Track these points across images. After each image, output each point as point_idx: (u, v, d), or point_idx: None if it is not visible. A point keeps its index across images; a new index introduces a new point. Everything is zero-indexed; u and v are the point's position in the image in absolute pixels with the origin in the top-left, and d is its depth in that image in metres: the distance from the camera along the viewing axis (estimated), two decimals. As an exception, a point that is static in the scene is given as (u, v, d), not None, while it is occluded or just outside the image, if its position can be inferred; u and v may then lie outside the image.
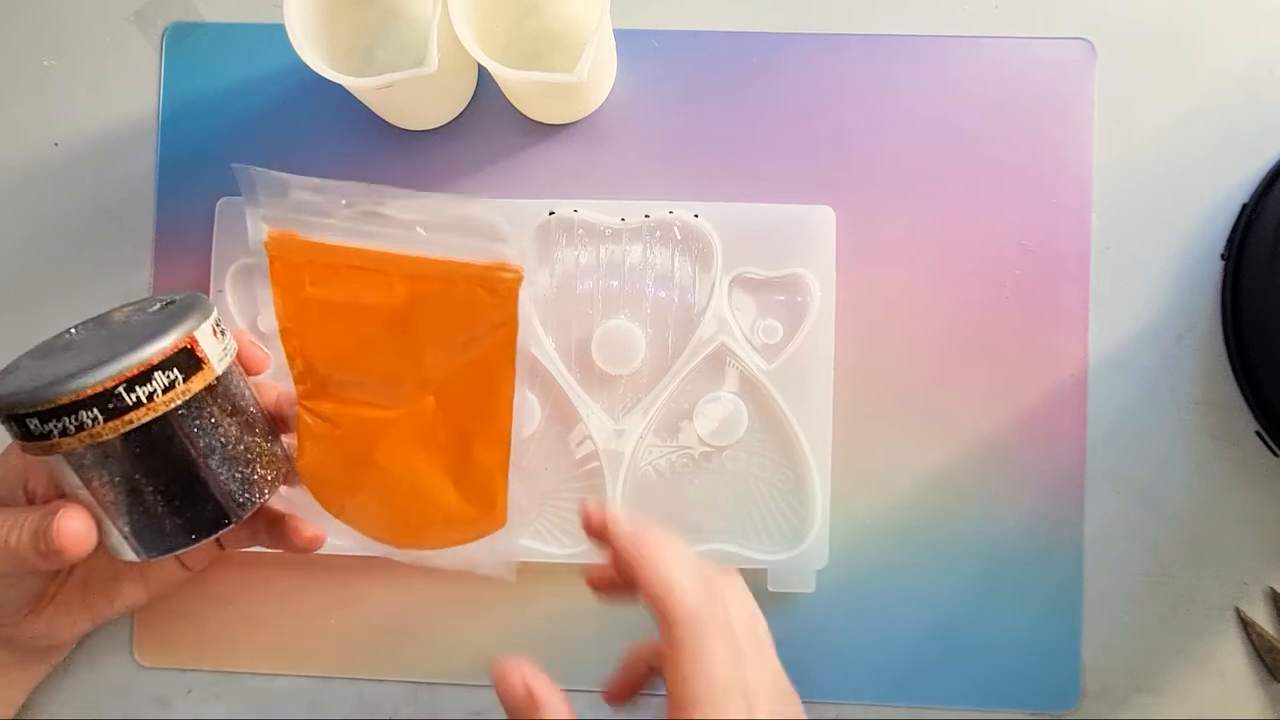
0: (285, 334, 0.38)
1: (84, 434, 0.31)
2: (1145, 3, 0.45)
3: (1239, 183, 0.44)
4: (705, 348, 0.43)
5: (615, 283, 0.44)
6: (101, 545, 0.34)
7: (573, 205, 0.44)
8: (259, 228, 0.37)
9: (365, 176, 0.45)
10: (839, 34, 0.46)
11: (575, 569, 0.44)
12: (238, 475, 0.34)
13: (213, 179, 0.46)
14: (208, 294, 0.45)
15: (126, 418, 0.31)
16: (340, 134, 0.46)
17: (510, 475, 0.40)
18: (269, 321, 0.44)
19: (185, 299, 0.35)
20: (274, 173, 0.37)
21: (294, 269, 0.37)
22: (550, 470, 0.44)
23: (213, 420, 0.34)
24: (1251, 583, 0.44)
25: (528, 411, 0.43)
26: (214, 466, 0.34)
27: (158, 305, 0.35)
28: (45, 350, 0.34)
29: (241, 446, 0.35)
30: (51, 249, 0.47)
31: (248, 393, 0.36)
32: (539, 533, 0.44)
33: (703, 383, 0.44)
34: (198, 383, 0.33)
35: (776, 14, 0.46)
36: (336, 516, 0.39)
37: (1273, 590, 0.43)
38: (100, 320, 0.36)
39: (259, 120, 0.47)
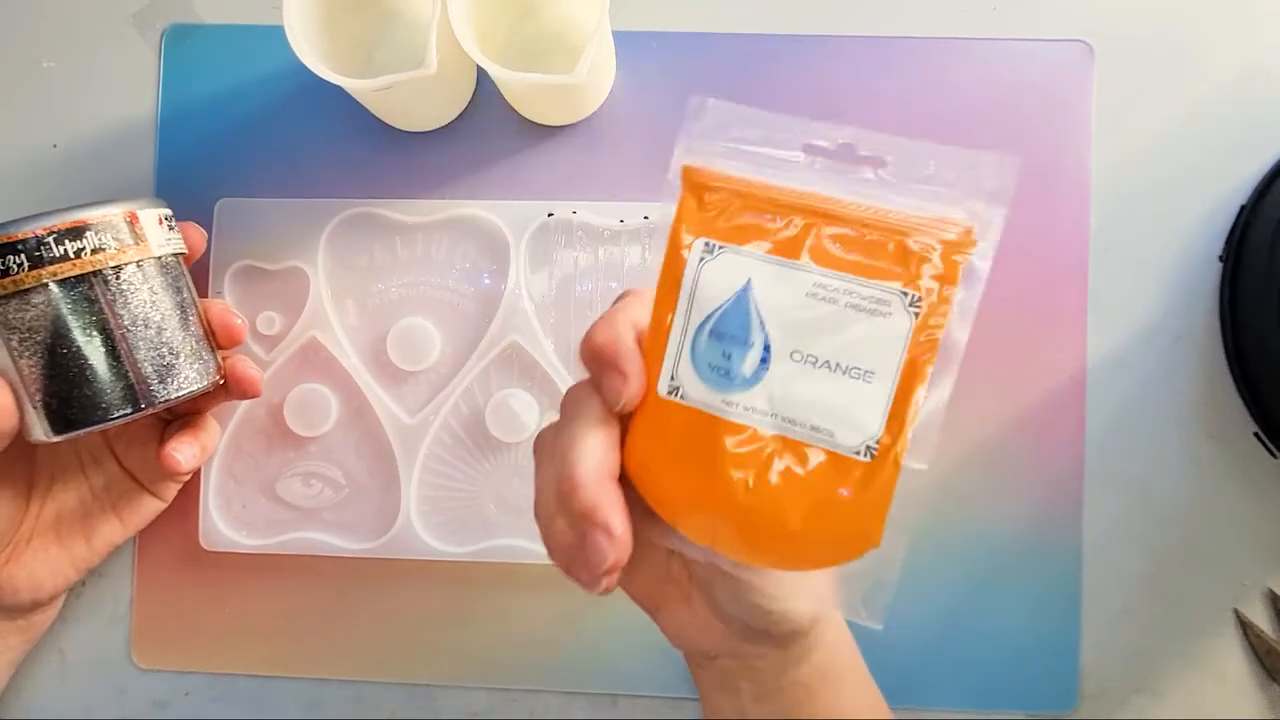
0: (663, 288, 0.29)
1: (7, 280, 0.32)
2: (1144, 5, 0.45)
3: (1237, 184, 0.44)
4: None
5: (614, 284, 0.44)
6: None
7: (571, 207, 0.44)
8: (679, 158, 0.31)
9: (364, 178, 0.46)
10: (838, 36, 0.46)
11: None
12: (157, 361, 0.35)
13: (212, 180, 0.46)
14: (206, 295, 0.45)
15: (52, 268, 0.32)
16: (339, 135, 0.46)
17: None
18: (269, 322, 0.45)
19: (150, 198, 0.37)
20: (728, 105, 0.31)
21: (703, 209, 0.29)
22: (549, 472, 0.44)
23: (140, 296, 0.34)
24: (1250, 584, 0.44)
25: (526, 414, 0.43)
26: (134, 343, 0.34)
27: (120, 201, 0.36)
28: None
29: (166, 334, 0.35)
30: (50, 250, 0.47)
31: (186, 291, 0.37)
32: (537, 535, 0.43)
33: (701, 384, 0.44)
34: (131, 254, 0.34)
35: (775, 16, 0.46)
36: (671, 522, 0.29)
37: (1271, 592, 0.43)
38: (61, 210, 0.36)
39: (258, 121, 0.47)
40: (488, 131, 0.46)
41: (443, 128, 0.46)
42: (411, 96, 0.43)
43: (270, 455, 0.45)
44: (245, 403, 0.45)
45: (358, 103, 0.45)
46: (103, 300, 0.33)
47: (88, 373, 0.34)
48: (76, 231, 0.33)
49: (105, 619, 0.46)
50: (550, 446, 0.28)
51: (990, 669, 0.43)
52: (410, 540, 0.43)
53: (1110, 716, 0.43)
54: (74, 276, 0.33)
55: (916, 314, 0.27)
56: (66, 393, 0.34)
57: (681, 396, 0.28)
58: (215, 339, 0.39)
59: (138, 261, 0.34)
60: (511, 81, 0.39)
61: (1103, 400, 0.44)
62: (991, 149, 0.27)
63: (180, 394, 0.36)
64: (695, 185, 0.30)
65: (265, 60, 0.47)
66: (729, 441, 0.27)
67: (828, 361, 0.27)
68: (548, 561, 0.43)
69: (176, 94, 0.47)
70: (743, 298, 0.28)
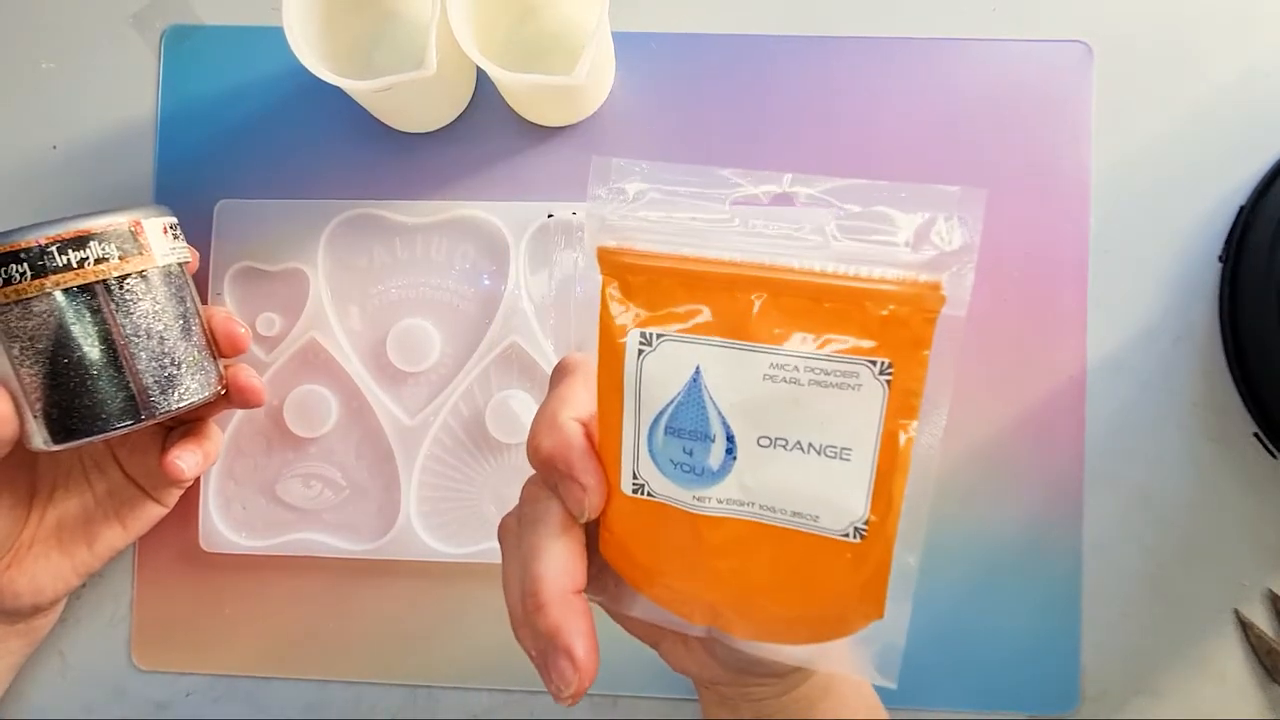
0: (604, 385, 0.26)
1: (10, 289, 0.32)
2: (1143, 6, 0.45)
3: (1236, 185, 0.44)
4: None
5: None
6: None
7: (571, 208, 0.44)
8: (592, 239, 0.26)
9: (364, 179, 0.46)
10: (837, 36, 0.46)
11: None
12: (159, 372, 0.35)
13: (211, 181, 0.46)
14: (205, 297, 0.45)
15: (55, 278, 0.32)
16: (339, 136, 0.46)
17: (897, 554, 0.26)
18: (269, 323, 0.45)
19: (154, 206, 0.36)
20: (640, 165, 0.27)
21: (631, 294, 0.26)
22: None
23: (143, 307, 0.34)
24: (1250, 584, 0.44)
25: (525, 415, 0.43)
26: (135, 354, 0.34)
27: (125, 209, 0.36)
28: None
29: (169, 344, 0.35)
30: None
31: (189, 300, 0.36)
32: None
33: (701, 385, 0.43)
34: (134, 264, 0.34)
35: (774, 17, 0.46)
36: (645, 593, 0.29)
37: (1271, 592, 0.43)
38: (66, 219, 0.36)
39: (257, 123, 0.46)
40: (487, 132, 0.46)
41: (442, 129, 0.46)
42: (411, 97, 0.43)
43: (270, 456, 0.45)
44: (245, 404, 0.45)
45: (357, 104, 0.45)
46: (105, 310, 0.33)
47: (89, 383, 0.34)
48: (80, 241, 0.32)
49: (106, 620, 0.46)
50: (514, 546, 0.26)
51: (991, 669, 0.43)
52: (410, 541, 0.43)
53: (1110, 717, 0.43)
54: (77, 286, 0.33)
55: (889, 382, 0.24)
56: (67, 402, 0.33)
57: (648, 494, 0.26)
58: (218, 347, 0.38)
59: (141, 271, 0.34)
60: (511, 82, 0.39)
61: (1103, 401, 0.44)
62: (953, 185, 0.24)
63: (182, 405, 0.35)
64: (617, 268, 0.26)
65: (265, 61, 0.47)
66: (708, 535, 0.25)
67: (799, 443, 0.25)
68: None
69: (176, 95, 0.47)
70: (694, 388, 0.25)
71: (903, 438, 0.24)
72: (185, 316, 0.36)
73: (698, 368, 0.25)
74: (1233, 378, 0.44)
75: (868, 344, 0.24)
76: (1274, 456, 0.43)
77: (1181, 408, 0.44)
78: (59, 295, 0.33)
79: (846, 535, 0.25)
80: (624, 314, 0.26)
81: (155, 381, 0.35)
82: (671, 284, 0.25)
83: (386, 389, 0.45)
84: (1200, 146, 0.45)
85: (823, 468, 0.25)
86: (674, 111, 0.46)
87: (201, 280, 0.45)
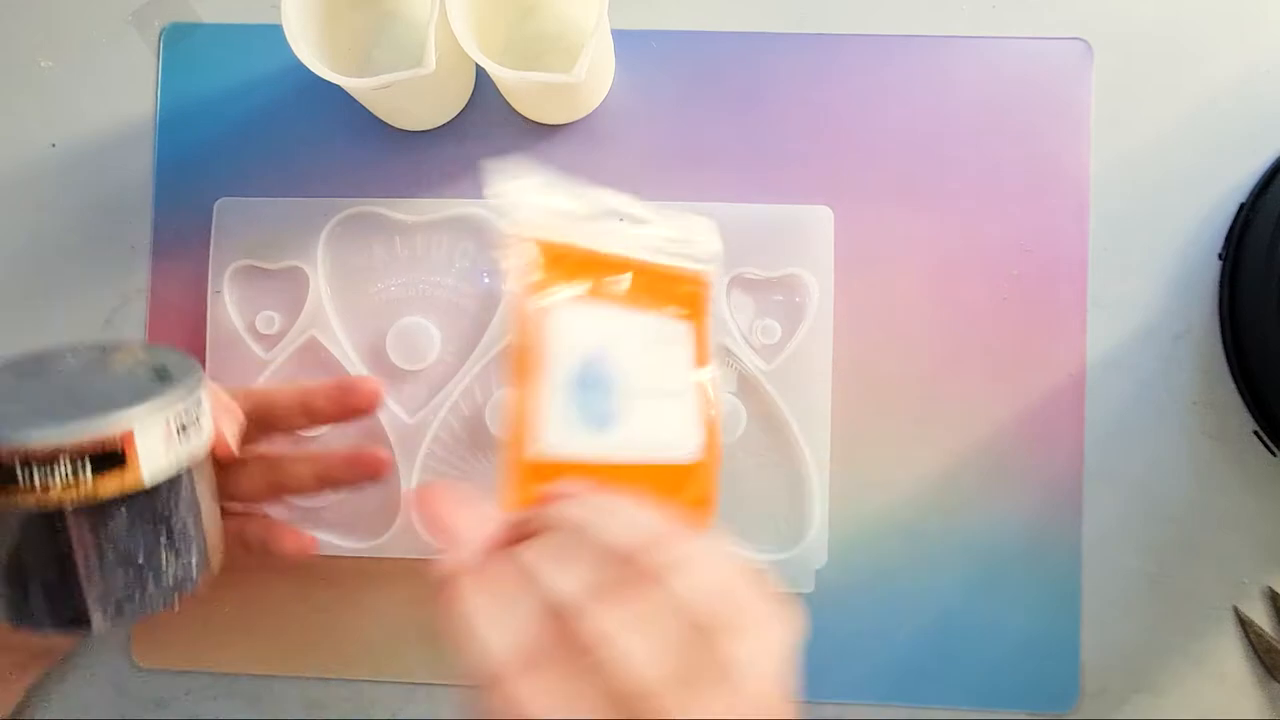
0: (519, 349, 0.32)
1: None
2: (1142, 3, 0.45)
3: (1236, 182, 0.44)
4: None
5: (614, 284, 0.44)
6: None
7: (571, 206, 0.44)
8: (511, 227, 0.33)
9: (363, 177, 0.46)
10: (837, 35, 0.46)
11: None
12: (121, 590, 0.30)
13: (211, 179, 0.46)
14: (205, 295, 0.45)
15: (13, 498, 0.27)
16: (338, 134, 0.46)
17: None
18: (268, 322, 0.45)
19: (175, 376, 0.31)
20: (547, 178, 0.34)
21: (540, 273, 0.32)
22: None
23: (114, 528, 0.29)
24: (1250, 582, 0.44)
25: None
26: (95, 574, 0.29)
27: (148, 371, 0.31)
28: (14, 372, 0.32)
29: (140, 561, 0.30)
30: (49, 250, 0.47)
31: (184, 503, 0.31)
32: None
33: (701, 383, 0.44)
34: (110, 486, 0.28)
35: (774, 15, 0.46)
36: None
37: (1271, 590, 0.43)
38: (101, 353, 0.33)
39: (257, 121, 0.46)
40: (487, 131, 0.46)
41: (442, 127, 0.46)
42: (410, 95, 0.43)
43: (270, 455, 0.45)
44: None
45: (357, 102, 0.44)
46: (67, 529, 0.28)
47: (38, 588, 0.29)
48: (47, 459, 0.27)
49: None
50: None
51: (990, 668, 0.43)
52: (410, 539, 0.43)
53: (1110, 715, 0.43)
54: (35, 509, 0.28)
55: (694, 339, 0.35)
56: (18, 597, 0.30)
57: (554, 450, 0.32)
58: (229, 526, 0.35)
59: (123, 494, 0.28)
60: (510, 81, 0.39)
61: (1102, 399, 0.44)
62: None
63: (146, 614, 0.31)
64: (538, 250, 0.33)
65: (264, 59, 0.47)
66: (603, 475, 0.32)
67: (661, 390, 0.34)
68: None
69: (175, 93, 0.47)
70: (598, 352, 0.32)
71: (705, 381, 0.35)
72: (172, 523, 0.31)
73: (595, 332, 0.33)
74: (1233, 376, 0.44)
75: (681, 310, 0.35)
76: (1274, 454, 0.43)
77: (1181, 405, 0.44)
78: (12, 510, 0.28)
79: (690, 458, 0.34)
80: (535, 286, 0.32)
81: (116, 598, 0.30)
82: (571, 263, 0.33)
83: (386, 387, 0.44)
84: (1200, 144, 0.45)
85: (674, 408, 0.34)
86: (673, 109, 0.46)
87: (201, 279, 0.45)
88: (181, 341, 0.45)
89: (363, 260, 0.45)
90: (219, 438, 0.33)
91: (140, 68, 0.47)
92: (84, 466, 0.27)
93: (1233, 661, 0.43)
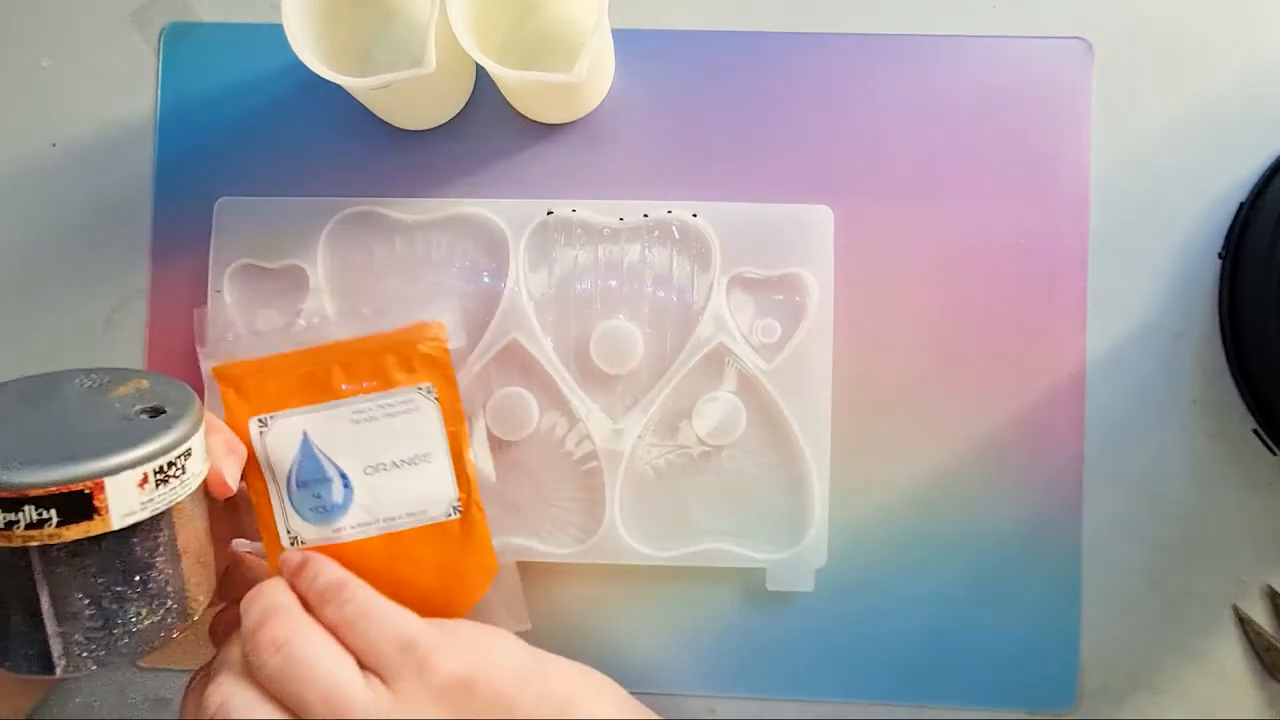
0: (249, 469, 0.35)
1: None
2: (1142, 2, 0.45)
3: (1236, 181, 0.44)
4: (703, 347, 0.43)
5: (613, 282, 0.44)
6: None
7: (571, 205, 0.44)
8: (206, 367, 0.37)
9: (364, 176, 0.46)
10: (837, 33, 0.46)
11: (575, 569, 0.44)
12: (86, 637, 0.29)
13: (211, 179, 0.46)
14: (205, 295, 0.45)
15: None
16: (338, 134, 0.46)
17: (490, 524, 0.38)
18: (269, 321, 0.45)
19: (169, 416, 0.30)
20: (218, 308, 0.38)
21: (244, 395, 0.36)
22: (549, 470, 0.44)
23: (80, 571, 0.29)
24: (1249, 581, 0.44)
25: (525, 412, 0.43)
26: (59, 617, 0.29)
27: (144, 406, 0.31)
28: (18, 392, 0.31)
29: (109, 606, 0.29)
30: (49, 249, 0.47)
31: (162, 546, 0.30)
32: (538, 533, 0.44)
33: (701, 382, 0.44)
34: (74, 532, 0.28)
35: (774, 14, 0.46)
36: None
37: (1270, 588, 0.43)
38: (101, 383, 0.32)
39: (257, 120, 0.46)
40: (487, 130, 0.46)
41: (442, 126, 0.46)
42: (410, 95, 0.43)
43: (270, 454, 0.45)
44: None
45: (357, 101, 0.44)
46: (29, 571, 0.28)
47: (4, 625, 0.29)
48: (11, 504, 0.27)
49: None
50: None
51: (990, 667, 0.43)
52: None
53: (1110, 714, 0.43)
54: (2, 549, 0.28)
55: (436, 398, 0.35)
56: None
57: (301, 543, 0.35)
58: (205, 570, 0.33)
59: (90, 539, 0.28)
60: (511, 80, 0.39)
61: (1102, 398, 0.44)
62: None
63: (113, 663, 0.30)
64: (228, 379, 0.35)
65: (264, 59, 0.47)
66: (352, 558, 0.33)
67: (393, 462, 0.35)
68: (548, 559, 0.43)
69: (175, 92, 0.47)
70: (306, 447, 0.35)
71: (461, 432, 0.35)
72: (146, 568, 0.30)
73: (304, 431, 0.35)
74: (1232, 374, 0.44)
75: (411, 375, 0.35)
76: (1273, 453, 0.43)
77: (1181, 404, 0.44)
78: None
79: (449, 515, 0.35)
80: (241, 409, 0.35)
81: (81, 643, 0.29)
82: (266, 377, 0.35)
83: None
84: (1200, 143, 0.45)
85: (416, 474, 0.35)
86: (674, 108, 0.46)
87: (201, 278, 0.45)
88: (182, 341, 0.45)
89: (363, 259, 0.45)
90: (216, 477, 0.32)
91: (140, 67, 0.47)
92: (49, 511, 0.27)
93: (1232, 660, 0.43)
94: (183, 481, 0.30)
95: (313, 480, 0.35)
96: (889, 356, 0.44)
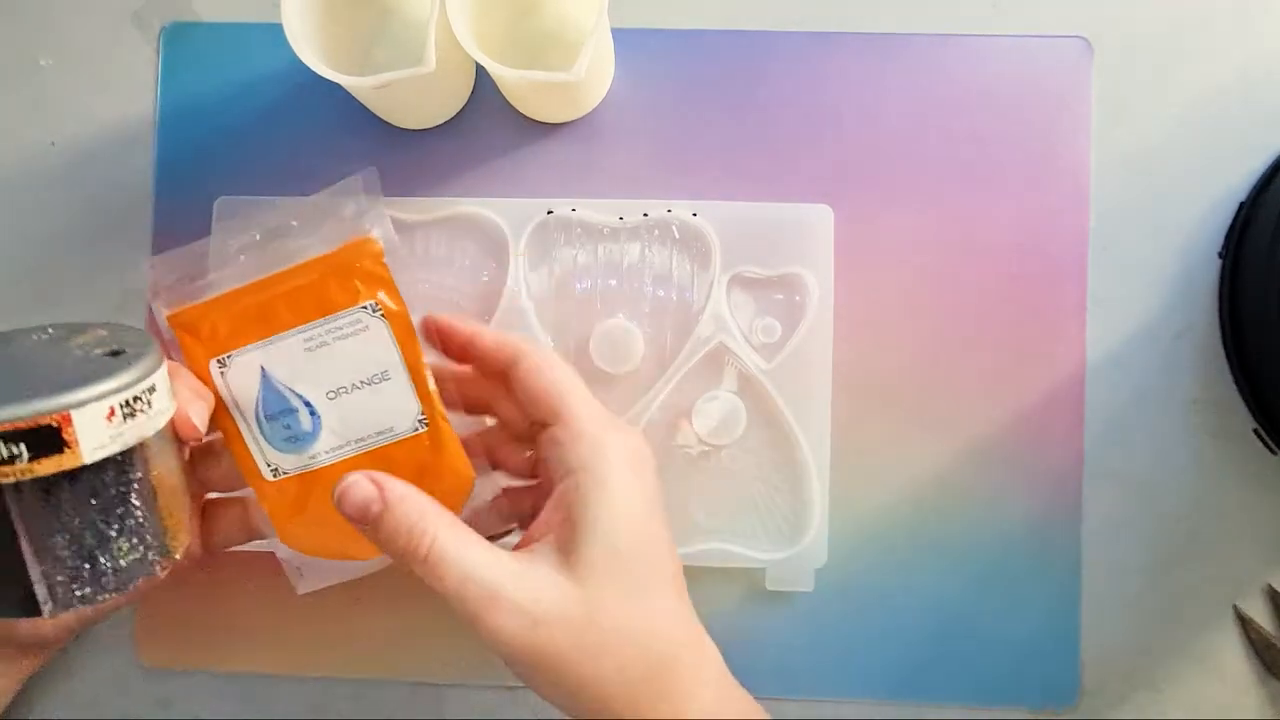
0: (217, 411, 0.35)
1: None
2: (1143, 2, 0.45)
3: (1236, 181, 0.44)
4: (703, 347, 0.43)
5: (613, 282, 0.44)
6: None
7: (570, 204, 0.44)
8: (160, 314, 0.35)
9: (363, 176, 0.46)
10: (837, 33, 0.46)
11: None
12: (70, 573, 0.29)
13: (210, 179, 0.46)
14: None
15: None
16: (338, 133, 0.46)
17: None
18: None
19: (129, 356, 0.31)
20: (176, 252, 0.36)
21: (200, 339, 0.35)
22: (549, 469, 0.44)
23: (56, 506, 0.29)
24: (1249, 580, 0.44)
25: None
26: (40, 555, 0.29)
27: (104, 350, 0.31)
28: None
29: (90, 542, 0.30)
30: (48, 248, 0.47)
31: (135, 482, 0.31)
32: (538, 532, 0.44)
33: (701, 382, 0.44)
34: (46, 467, 0.28)
35: (774, 13, 0.46)
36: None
37: (1270, 588, 0.43)
38: (60, 334, 0.33)
39: (257, 119, 0.46)
40: (487, 129, 0.46)
41: (442, 125, 0.46)
42: (410, 94, 0.43)
43: (270, 454, 0.45)
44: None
45: (357, 100, 0.44)
46: (6, 508, 0.28)
47: None
48: None
49: (108, 618, 0.46)
50: None
51: (990, 665, 0.43)
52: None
53: (1110, 713, 0.43)
54: None
55: (382, 314, 0.35)
56: None
57: (283, 474, 0.35)
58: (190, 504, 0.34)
59: (64, 473, 0.28)
60: (510, 79, 0.39)
61: (1102, 397, 0.44)
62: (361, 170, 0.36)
63: (100, 600, 0.30)
64: (183, 325, 0.35)
65: (264, 58, 0.47)
66: (333, 480, 0.33)
67: (353, 384, 0.35)
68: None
69: (175, 92, 0.47)
70: (267, 381, 0.35)
71: (413, 345, 0.35)
72: (123, 503, 0.30)
73: (261, 366, 0.35)
74: (1232, 374, 0.44)
75: (353, 296, 0.34)
76: (1273, 452, 0.43)
77: (1181, 404, 0.44)
78: None
79: (416, 429, 0.35)
80: (198, 351, 0.35)
81: (65, 581, 0.29)
82: (217, 317, 0.35)
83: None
84: (1200, 142, 0.45)
85: (377, 393, 0.35)
86: (673, 107, 0.46)
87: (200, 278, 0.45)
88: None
89: (363, 259, 0.45)
90: (184, 420, 0.33)
91: (140, 66, 0.47)
92: (19, 446, 0.27)
93: (1232, 659, 0.44)
94: (150, 417, 0.31)
95: (279, 412, 0.35)
96: (889, 356, 0.44)
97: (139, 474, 0.31)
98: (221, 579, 0.45)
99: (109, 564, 0.30)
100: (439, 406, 0.35)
